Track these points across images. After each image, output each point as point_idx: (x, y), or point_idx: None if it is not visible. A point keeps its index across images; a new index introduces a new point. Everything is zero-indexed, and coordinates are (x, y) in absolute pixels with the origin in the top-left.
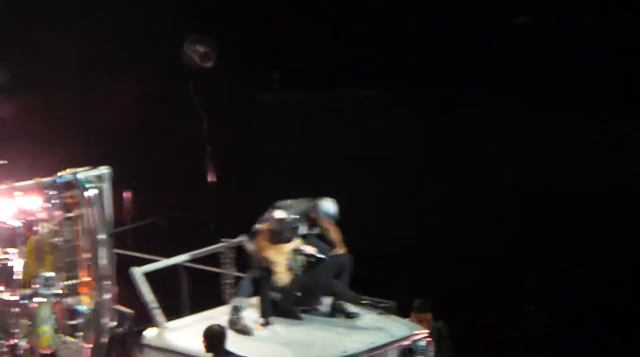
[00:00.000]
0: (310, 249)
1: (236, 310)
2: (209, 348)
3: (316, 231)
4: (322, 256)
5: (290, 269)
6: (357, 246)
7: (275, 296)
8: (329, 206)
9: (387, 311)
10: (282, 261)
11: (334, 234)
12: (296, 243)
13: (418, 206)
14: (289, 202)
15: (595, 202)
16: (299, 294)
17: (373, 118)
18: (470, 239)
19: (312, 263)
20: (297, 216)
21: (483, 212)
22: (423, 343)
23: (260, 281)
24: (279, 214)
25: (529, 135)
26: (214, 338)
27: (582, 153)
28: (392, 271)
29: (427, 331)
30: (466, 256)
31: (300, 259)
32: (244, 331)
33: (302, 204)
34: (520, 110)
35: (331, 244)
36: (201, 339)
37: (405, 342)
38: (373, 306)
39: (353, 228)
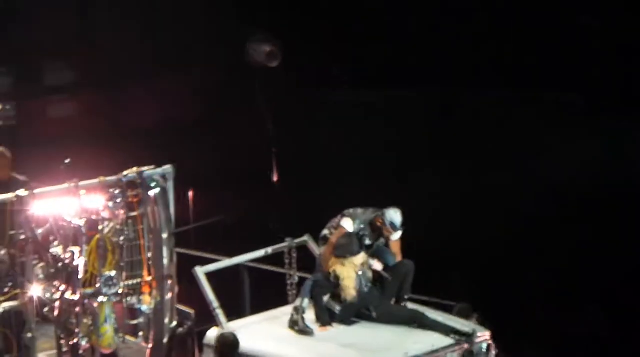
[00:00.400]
0: (377, 265)
1: (298, 311)
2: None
3: (382, 241)
4: (387, 276)
5: (358, 285)
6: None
7: (336, 308)
8: (394, 215)
9: (461, 312)
10: (350, 275)
11: (396, 245)
12: (363, 257)
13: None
14: (358, 211)
15: None
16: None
17: (439, 118)
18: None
19: (379, 278)
20: (363, 226)
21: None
22: (484, 346)
23: (321, 288)
24: (346, 223)
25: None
26: (226, 346)
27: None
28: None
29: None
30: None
31: (368, 274)
32: (305, 332)
33: (369, 213)
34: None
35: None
36: (215, 345)
37: (467, 345)
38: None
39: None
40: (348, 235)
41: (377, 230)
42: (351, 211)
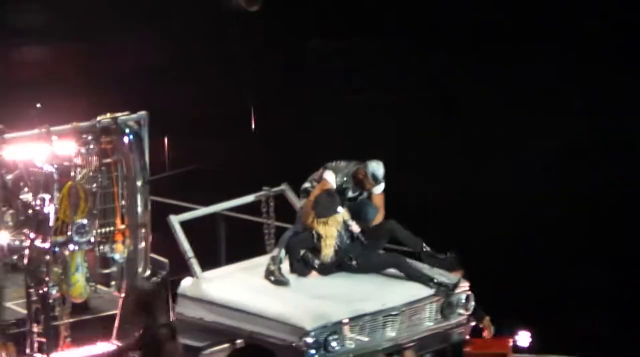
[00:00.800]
0: (356, 227)
1: (275, 261)
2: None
3: (364, 195)
4: (363, 239)
5: (339, 240)
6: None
7: (315, 262)
8: (376, 167)
9: (445, 263)
10: (332, 234)
11: (378, 198)
12: (345, 214)
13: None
14: (341, 163)
15: None
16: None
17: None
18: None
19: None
20: (346, 178)
21: None
22: (463, 297)
23: (299, 241)
24: (329, 176)
25: None
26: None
27: None
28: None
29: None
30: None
31: (350, 228)
32: (281, 282)
33: (351, 165)
34: None
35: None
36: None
37: (446, 296)
38: (432, 256)
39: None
40: (330, 193)
41: (360, 183)
42: (333, 163)
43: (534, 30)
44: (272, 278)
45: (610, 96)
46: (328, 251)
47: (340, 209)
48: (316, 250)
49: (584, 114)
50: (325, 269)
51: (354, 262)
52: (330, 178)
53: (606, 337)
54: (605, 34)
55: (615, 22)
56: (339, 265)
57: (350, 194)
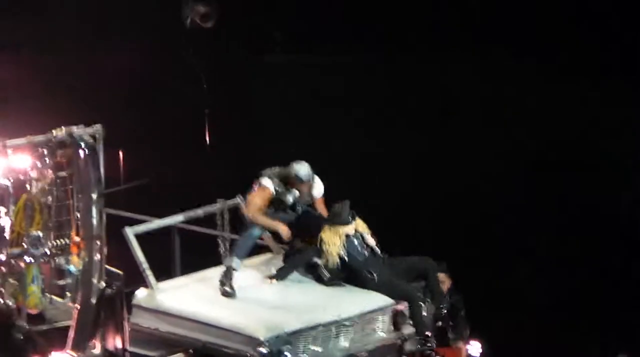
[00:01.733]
0: (371, 240)
1: (228, 271)
2: None
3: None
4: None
5: (351, 250)
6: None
7: (325, 275)
8: (298, 167)
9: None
10: (334, 242)
11: (320, 203)
12: (351, 228)
13: (427, 169)
14: (276, 169)
15: None
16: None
17: (378, 84)
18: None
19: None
20: (279, 184)
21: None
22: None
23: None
24: (266, 182)
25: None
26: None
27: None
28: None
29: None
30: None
31: (361, 246)
32: (227, 294)
33: (283, 171)
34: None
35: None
36: None
37: (399, 307)
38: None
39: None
40: (344, 203)
41: (292, 186)
42: (268, 170)
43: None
44: (220, 289)
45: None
46: (332, 259)
47: (347, 220)
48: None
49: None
50: (334, 280)
51: (374, 276)
52: (269, 184)
53: (559, 346)
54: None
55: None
56: (355, 278)
57: (290, 199)
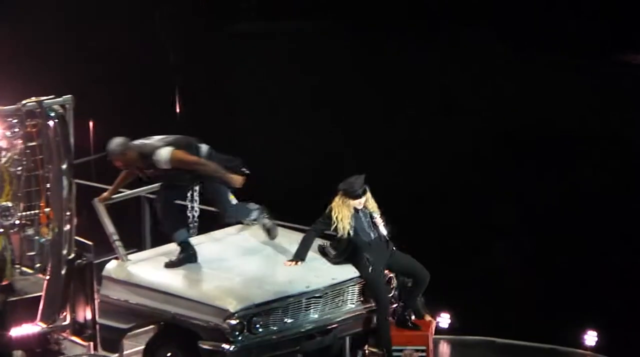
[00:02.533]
0: (382, 227)
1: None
2: None
3: None
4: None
5: (358, 225)
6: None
7: (331, 252)
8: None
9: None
10: (344, 214)
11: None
12: (360, 202)
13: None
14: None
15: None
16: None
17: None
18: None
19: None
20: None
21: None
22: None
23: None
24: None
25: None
26: None
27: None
28: None
29: None
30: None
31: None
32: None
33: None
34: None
35: None
36: None
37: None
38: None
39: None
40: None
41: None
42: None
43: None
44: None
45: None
46: (342, 229)
47: (359, 193)
48: (333, 242)
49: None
50: (340, 259)
51: (370, 266)
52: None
53: (523, 319)
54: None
55: None
56: (354, 258)
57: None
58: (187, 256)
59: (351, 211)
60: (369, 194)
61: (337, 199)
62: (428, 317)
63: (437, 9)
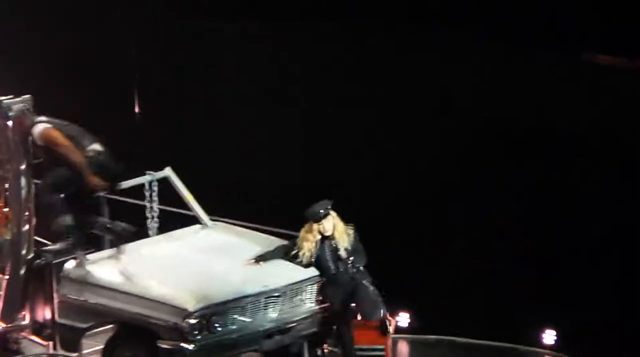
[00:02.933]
0: (344, 253)
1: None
2: None
3: None
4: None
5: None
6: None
7: None
8: None
9: None
10: (307, 238)
11: None
12: (324, 228)
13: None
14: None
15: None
16: None
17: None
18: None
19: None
20: None
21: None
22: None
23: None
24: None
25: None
26: None
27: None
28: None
29: None
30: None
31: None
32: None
33: None
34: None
35: None
36: None
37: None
38: None
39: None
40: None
41: None
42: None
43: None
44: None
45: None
46: (304, 256)
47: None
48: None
49: None
50: None
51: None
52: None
53: (483, 318)
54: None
55: None
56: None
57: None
58: (78, 239)
59: (316, 237)
60: (336, 221)
61: (306, 224)
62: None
63: None
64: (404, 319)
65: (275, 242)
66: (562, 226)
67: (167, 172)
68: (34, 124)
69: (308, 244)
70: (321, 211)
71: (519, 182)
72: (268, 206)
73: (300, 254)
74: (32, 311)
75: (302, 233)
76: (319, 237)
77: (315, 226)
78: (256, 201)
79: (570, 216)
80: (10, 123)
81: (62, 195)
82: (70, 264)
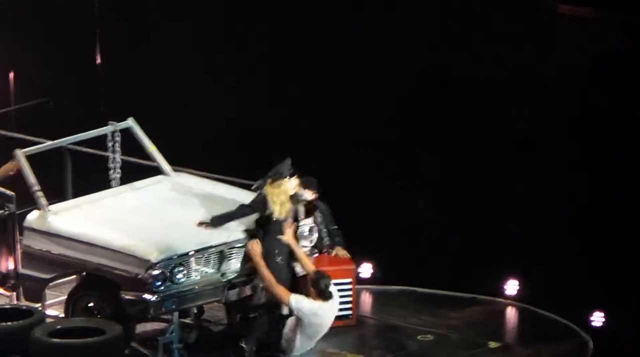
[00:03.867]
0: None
1: None
2: None
3: None
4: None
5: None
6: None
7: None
8: None
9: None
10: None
11: None
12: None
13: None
14: None
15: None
16: None
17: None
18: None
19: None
20: None
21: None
22: (306, 229)
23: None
24: None
25: None
26: None
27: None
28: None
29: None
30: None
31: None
32: None
33: None
34: None
35: None
36: None
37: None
38: None
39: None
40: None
41: None
42: None
43: None
44: None
45: None
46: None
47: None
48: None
49: None
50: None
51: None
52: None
53: (444, 269)
54: None
55: None
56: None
57: None
58: None
59: (287, 193)
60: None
61: (268, 187)
62: (342, 252)
63: None
64: (366, 270)
65: (236, 192)
66: (525, 174)
67: (130, 122)
68: None
69: (286, 202)
70: (287, 171)
71: (477, 136)
72: (230, 156)
73: (277, 210)
74: None
75: (272, 194)
76: (290, 193)
77: (284, 184)
78: (218, 150)
79: (531, 164)
80: None
81: None
82: (32, 215)
